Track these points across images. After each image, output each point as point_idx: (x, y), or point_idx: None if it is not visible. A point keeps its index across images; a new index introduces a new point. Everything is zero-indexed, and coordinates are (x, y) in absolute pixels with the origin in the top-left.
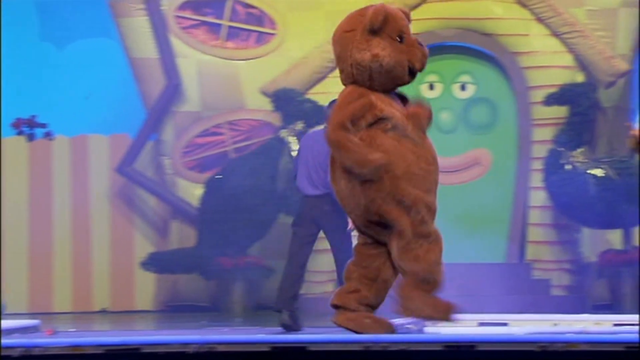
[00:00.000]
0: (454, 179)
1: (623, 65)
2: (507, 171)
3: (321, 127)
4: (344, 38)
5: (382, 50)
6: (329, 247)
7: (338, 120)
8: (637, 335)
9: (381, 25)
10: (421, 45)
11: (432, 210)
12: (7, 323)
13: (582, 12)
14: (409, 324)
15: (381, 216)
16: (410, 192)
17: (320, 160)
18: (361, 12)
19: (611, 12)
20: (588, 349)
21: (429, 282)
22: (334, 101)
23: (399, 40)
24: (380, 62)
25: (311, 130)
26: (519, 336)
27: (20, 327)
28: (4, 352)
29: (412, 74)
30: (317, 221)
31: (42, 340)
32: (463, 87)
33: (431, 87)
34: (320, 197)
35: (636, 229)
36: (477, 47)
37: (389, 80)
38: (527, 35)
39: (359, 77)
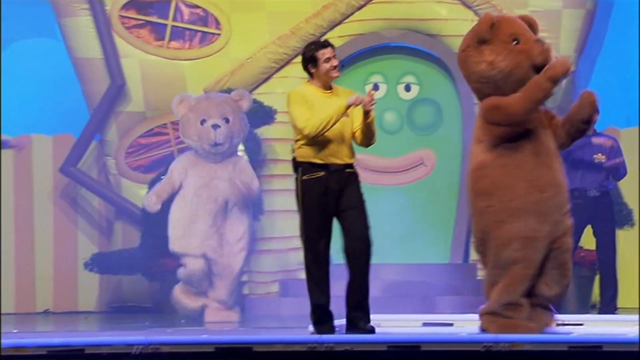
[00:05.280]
0: (398, 180)
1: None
2: (452, 172)
3: None
4: (462, 58)
5: (496, 56)
6: (272, 248)
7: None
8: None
9: (490, 34)
10: (540, 40)
11: (537, 240)
12: None
13: (525, 13)
14: None
15: (478, 248)
16: (507, 231)
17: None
18: (472, 29)
19: (555, 14)
20: (532, 348)
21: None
22: None
23: (515, 42)
24: (497, 68)
25: None
26: (463, 336)
27: None
28: None
29: (537, 70)
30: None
31: None
32: (407, 88)
33: (376, 87)
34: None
35: None
36: (421, 48)
37: (515, 84)
38: None
39: (487, 89)
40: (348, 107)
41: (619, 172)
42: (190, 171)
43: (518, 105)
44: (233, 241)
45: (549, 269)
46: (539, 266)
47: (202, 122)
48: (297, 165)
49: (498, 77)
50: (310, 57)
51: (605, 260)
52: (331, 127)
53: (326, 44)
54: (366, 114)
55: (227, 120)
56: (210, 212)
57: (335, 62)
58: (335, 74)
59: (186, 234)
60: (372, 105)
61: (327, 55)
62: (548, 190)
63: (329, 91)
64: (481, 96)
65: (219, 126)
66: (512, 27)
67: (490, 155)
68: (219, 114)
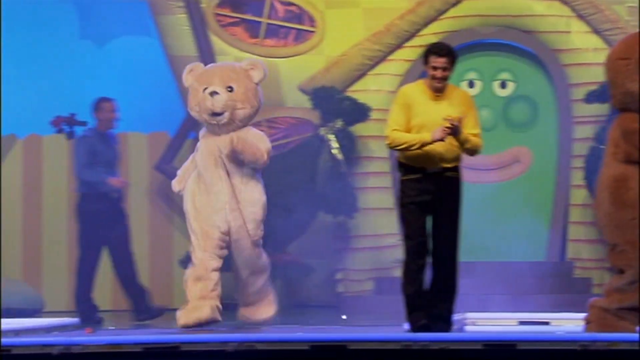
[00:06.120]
0: (493, 177)
1: None
2: (548, 169)
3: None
4: (617, 65)
5: None
6: (367, 245)
7: None
8: None
9: None
10: None
11: None
12: (46, 321)
13: (623, 8)
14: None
15: (621, 261)
16: None
17: None
18: (639, 40)
19: None
20: (630, 347)
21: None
22: None
23: None
24: None
25: None
26: (560, 335)
27: (60, 325)
28: (45, 350)
29: None
30: None
31: (82, 338)
32: (503, 85)
33: (471, 84)
34: None
35: None
36: (517, 45)
37: None
38: (568, 32)
39: (629, 105)
40: (431, 142)
41: None
42: (200, 147)
43: None
44: (245, 216)
45: None
46: None
47: (204, 90)
48: (399, 165)
49: None
50: (424, 56)
51: None
52: (409, 151)
53: (442, 53)
54: (452, 135)
55: (230, 89)
56: (219, 183)
57: (438, 74)
58: (435, 84)
59: (197, 208)
60: (445, 135)
61: (434, 64)
62: None
63: (439, 93)
64: (619, 106)
65: (217, 93)
66: None
67: (630, 168)
68: (221, 81)
